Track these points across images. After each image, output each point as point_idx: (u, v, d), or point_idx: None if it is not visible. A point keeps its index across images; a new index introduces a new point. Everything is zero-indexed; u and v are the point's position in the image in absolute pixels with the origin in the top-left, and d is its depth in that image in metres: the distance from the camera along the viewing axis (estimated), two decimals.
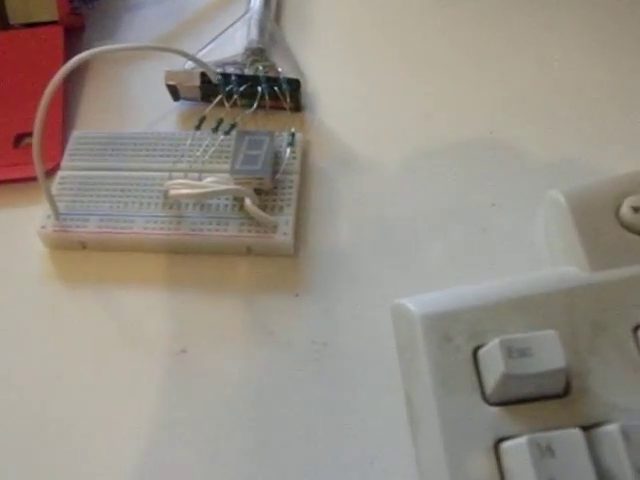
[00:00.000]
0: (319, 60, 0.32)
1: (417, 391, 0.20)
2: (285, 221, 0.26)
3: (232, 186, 0.25)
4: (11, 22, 0.32)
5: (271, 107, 0.29)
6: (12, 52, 0.32)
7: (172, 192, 0.26)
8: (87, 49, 0.26)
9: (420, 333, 0.20)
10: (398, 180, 0.28)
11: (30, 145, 0.30)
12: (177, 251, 0.26)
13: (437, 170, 0.28)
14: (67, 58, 0.32)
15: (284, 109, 0.29)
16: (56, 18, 0.32)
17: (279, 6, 0.34)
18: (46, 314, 0.25)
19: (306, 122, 0.30)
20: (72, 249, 0.27)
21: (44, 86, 0.31)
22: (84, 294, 0.26)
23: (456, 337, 0.20)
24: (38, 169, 0.25)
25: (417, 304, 0.21)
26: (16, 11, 0.32)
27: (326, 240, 0.26)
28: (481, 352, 0.19)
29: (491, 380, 0.19)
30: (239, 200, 0.26)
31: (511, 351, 0.18)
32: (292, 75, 0.30)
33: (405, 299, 0.21)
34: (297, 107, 0.30)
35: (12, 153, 0.30)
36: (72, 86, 0.32)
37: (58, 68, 0.31)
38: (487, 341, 0.19)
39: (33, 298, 0.26)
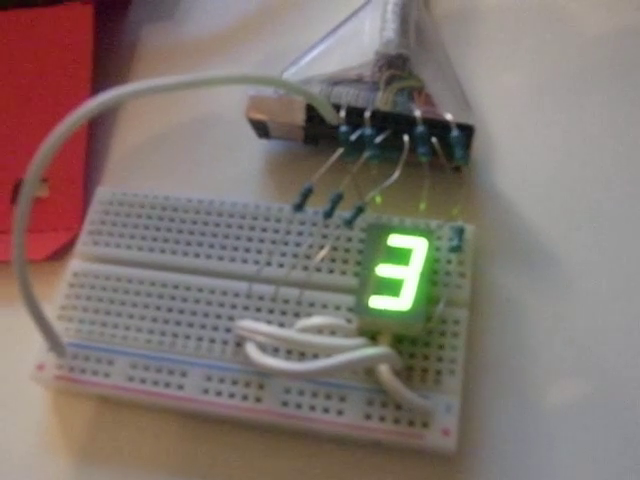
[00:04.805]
0: (490, 80, 0.20)
1: None
2: (446, 406, 0.14)
3: (367, 353, 0.14)
4: None
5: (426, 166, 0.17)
6: (28, 42, 0.21)
7: (253, 356, 0.14)
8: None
9: None
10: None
11: (39, 199, 0.19)
12: (255, 429, 0.16)
13: None
14: (101, 54, 0.21)
15: (440, 169, 0.17)
16: None
17: None
18: None
19: (475, 196, 0.18)
20: (87, 398, 0.17)
21: (65, 105, 0.20)
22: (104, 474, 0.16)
23: None
24: (22, 288, 0.14)
25: None
26: None
27: (509, 427, 0.15)
28: None
29: None
30: None
31: None
32: (453, 109, 0.18)
33: None
34: (458, 167, 0.18)
35: (9, 211, 0.19)
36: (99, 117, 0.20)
37: (85, 72, 0.20)
38: None
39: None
